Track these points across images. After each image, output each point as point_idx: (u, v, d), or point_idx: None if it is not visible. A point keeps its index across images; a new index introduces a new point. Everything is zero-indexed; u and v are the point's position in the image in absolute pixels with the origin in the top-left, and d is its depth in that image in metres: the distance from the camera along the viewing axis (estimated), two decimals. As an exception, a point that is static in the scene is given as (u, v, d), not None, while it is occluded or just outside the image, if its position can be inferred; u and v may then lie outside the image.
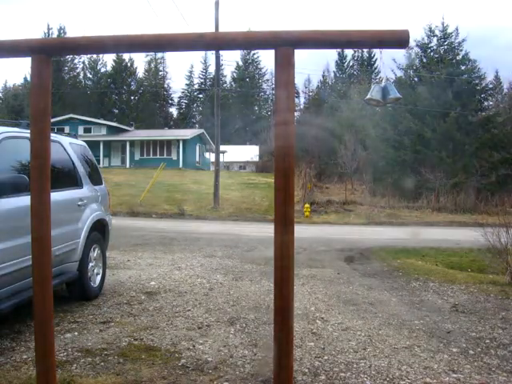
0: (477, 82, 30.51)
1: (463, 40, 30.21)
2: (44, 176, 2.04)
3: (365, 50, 59.30)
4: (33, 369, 3.39)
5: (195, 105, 73.06)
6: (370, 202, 23.70)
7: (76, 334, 4.31)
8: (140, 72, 70.09)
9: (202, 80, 71.01)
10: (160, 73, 69.98)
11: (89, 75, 67.87)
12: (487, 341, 4.35)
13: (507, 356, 3.99)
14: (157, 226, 14.42)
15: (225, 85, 65.27)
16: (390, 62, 33.39)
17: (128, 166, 40.45)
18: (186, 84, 72.53)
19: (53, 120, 30.51)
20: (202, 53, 67.09)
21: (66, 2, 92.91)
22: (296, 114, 54.86)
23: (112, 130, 44.30)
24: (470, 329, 4.61)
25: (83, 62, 65.91)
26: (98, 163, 7.05)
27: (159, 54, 62.83)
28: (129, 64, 67.58)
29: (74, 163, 5.45)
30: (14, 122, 4.78)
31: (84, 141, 6.46)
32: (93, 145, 28.54)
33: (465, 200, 22.47)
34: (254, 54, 69.57)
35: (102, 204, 5.95)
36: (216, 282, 6.58)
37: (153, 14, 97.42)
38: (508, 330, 4.71)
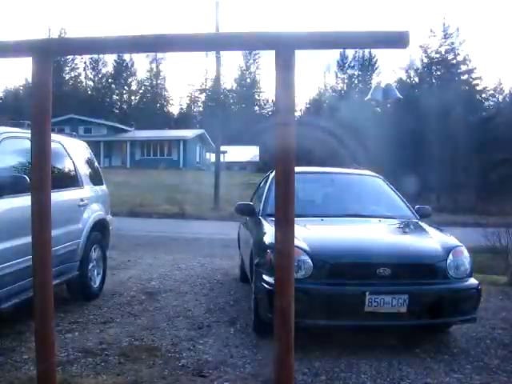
0: (477, 82, 30.54)
1: (464, 40, 30.28)
2: (44, 176, 2.05)
3: (365, 50, 59.32)
4: (33, 369, 3.39)
5: (196, 105, 73.08)
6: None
7: (76, 334, 4.31)
8: (141, 72, 70.19)
9: (203, 80, 71.04)
10: (161, 73, 69.97)
11: (90, 75, 67.93)
12: (487, 341, 4.35)
13: (508, 356, 3.99)
14: (157, 226, 14.42)
15: (225, 85, 65.28)
16: (390, 62, 33.41)
17: (128, 166, 40.45)
18: (187, 84, 72.59)
19: (53, 120, 30.47)
20: (203, 53, 67.06)
21: (66, 2, 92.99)
22: (296, 114, 54.88)
23: (112, 130, 44.32)
24: (471, 329, 4.61)
25: (84, 62, 65.97)
26: (99, 163, 7.05)
27: (160, 54, 62.88)
28: (129, 64, 67.62)
29: (74, 163, 5.45)
30: (18, 122, 4.79)
31: (84, 141, 6.46)
32: (93, 145, 28.58)
33: (465, 200, 22.47)
34: (255, 54, 69.58)
35: (102, 204, 5.95)
36: (216, 283, 6.59)
37: (153, 14, 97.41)
38: (508, 330, 4.71)
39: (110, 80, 66.85)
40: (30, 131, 2.10)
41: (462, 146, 27.43)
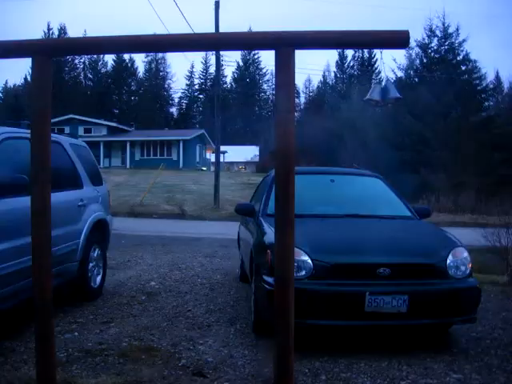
0: (477, 82, 30.54)
1: (464, 40, 30.23)
2: (44, 177, 2.04)
3: (365, 50, 59.36)
4: (33, 369, 3.39)
5: (195, 105, 73.12)
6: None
7: (76, 334, 4.31)
8: (140, 72, 70.19)
9: (203, 80, 71.06)
10: (160, 73, 70.00)
11: (89, 75, 67.95)
12: (487, 341, 4.35)
13: (507, 356, 3.99)
14: (157, 226, 14.41)
15: (225, 85, 65.30)
16: (390, 62, 33.43)
17: (128, 166, 40.47)
18: (187, 84, 72.58)
19: (53, 120, 30.56)
20: (203, 53, 67.06)
21: (66, 3, 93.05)
22: (296, 114, 54.94)
23: (112, 131, 44.33)
24: (471, 329, 4.61)
25: (84, 63, 66.03)
26: (99, 163, 7.05)
27: (159, 55, 62.91)
28: (129, 64, 67.65)
29: (73, 163, 5.45)
30: (15, 122, 4.79)
31: (84, 141, 6.46)
32: (93, 145, 28.57)
33: (465, 200, 22.47)
34: (254, 54, 69.62)
35: (102, 204, 5.95)
36: (216, 283, 6.59)
37: (153, 14, 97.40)
38: (508, 330, 4.71)
39: (109, 80, 66.88)
40: (29, 131, 2.10)
41: (461, 146, 27.44)
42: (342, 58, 61.78)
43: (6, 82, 70.32)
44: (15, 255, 3.91)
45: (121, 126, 46.07)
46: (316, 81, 68.37)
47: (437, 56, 30.67)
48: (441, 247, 4.20)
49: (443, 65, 29.60)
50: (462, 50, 30.49)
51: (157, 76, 69.77)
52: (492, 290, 6.34)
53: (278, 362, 1.97)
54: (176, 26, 15.14)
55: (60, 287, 5.10)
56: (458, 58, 30.42)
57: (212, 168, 38.06)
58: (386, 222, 5.07)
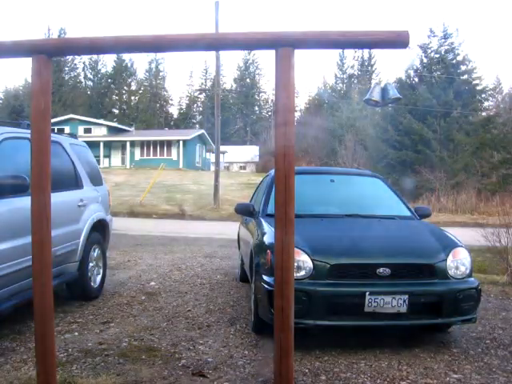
0: (477, 82, 30.54)
1: (464, 40, 30.24)
2: (44, 177, 2.04)
3: (365, 50, 59.33)
4: (33, 369, 3.39)
5: (195, 105, 73.10)
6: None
7: (76, 334, 4.31)
8: (140, 72, 70.20)
9: (203, 80, 71.05)
10: (160, 73, 70.01)
11: (89, 75, 67.93)
12: (487, 341, 4.35)
13: (507, 356, 3.99)
14: (157, 226, 14.41)
15: (225, 85, 65.31)
16: (390, 62, 33.37)
17: (128, 166, 40.47)
18: (187, 84, 72.58)
19: (53, 120, 30.57)
20: (203, 53, 67.07)
21: (66, 3, 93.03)
22: (296, 114, 54.93)
23: (112, 131, 44.32)
24: (471, 329, 4.61)
25: (84, 63, 66.03)
26: (98, 163, 7.05)
27: (159, 55, 62.89)
28: (129, 64, 67.63)
29: (74, 164, 5.45)
30: (15, 122, 4.79)
31: (84, 141, 6.46)
32: (93, 145, 28.60)
33: (465, 200, 22.45)
34: (254, 54, 69.59)
35: (102, 204, 5.95)
36: (216, 283, 6.58)
37: (153, 14, 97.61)
38: (508, 330, 4.71)
39: (109, 80, 66.85)
40: (29, 131, 2.10)
41: (462, 146, 27.44)
42: (342, 58, 61.75)
43: (7, 83, 70.18)
44: (15, 255, 3.91)
45: (121, 126, 46.05)
46: (316, 81, 68.31)
47: (437, 56, 30.67)
48: (441, 247, 4.20)
49: (443, 64, 29.59)
50: (462, 51, 30.51)
51: (157, 76, 69.74)
52: (492, 290, 6.34)
53: (278, 361, 1.97)
54: (176, 27, 15.13)
55: (60, 287, 5.11)
56: (458, 58, 30.42)
57: (212, 168, 38.07)
58: (386, 222, 5.06)
